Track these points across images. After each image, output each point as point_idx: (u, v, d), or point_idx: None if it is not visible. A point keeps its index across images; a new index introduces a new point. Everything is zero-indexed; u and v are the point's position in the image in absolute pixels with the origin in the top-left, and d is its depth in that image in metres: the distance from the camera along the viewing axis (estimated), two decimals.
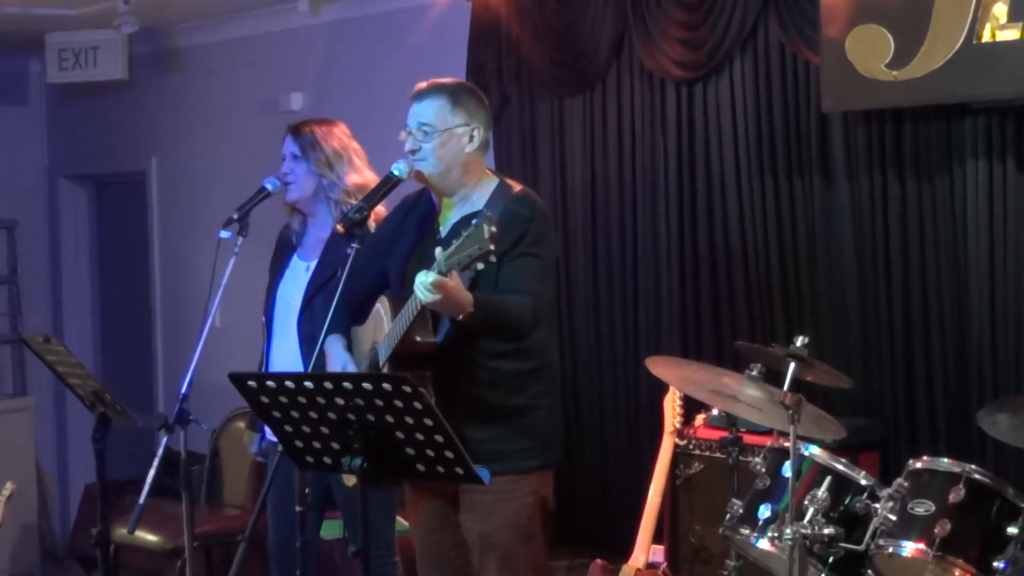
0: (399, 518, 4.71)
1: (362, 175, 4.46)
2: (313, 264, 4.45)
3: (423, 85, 3.77)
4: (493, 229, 3.21)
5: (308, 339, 4.32)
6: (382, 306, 3.79)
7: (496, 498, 3.65)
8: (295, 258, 4.54)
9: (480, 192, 3.77)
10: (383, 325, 3.74)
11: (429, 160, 3.70)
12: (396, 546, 4.52)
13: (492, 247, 3.21)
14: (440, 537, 3.84)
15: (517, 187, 3.82)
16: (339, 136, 4.51)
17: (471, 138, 3.74)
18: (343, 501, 4.37)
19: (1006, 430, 3.76)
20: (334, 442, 3.29)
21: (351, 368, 3.79)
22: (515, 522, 3.70)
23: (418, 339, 3.56)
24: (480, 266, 3.27)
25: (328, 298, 4.25)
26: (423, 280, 3.33)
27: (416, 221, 3.85)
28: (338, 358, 3.84)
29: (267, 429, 4.49)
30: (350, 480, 3.64)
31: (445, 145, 3.71)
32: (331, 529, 4.99)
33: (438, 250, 3.34)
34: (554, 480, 3.85)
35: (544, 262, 3.70)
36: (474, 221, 3.27)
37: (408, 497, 3.94)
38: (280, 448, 3.47)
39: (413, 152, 3.71)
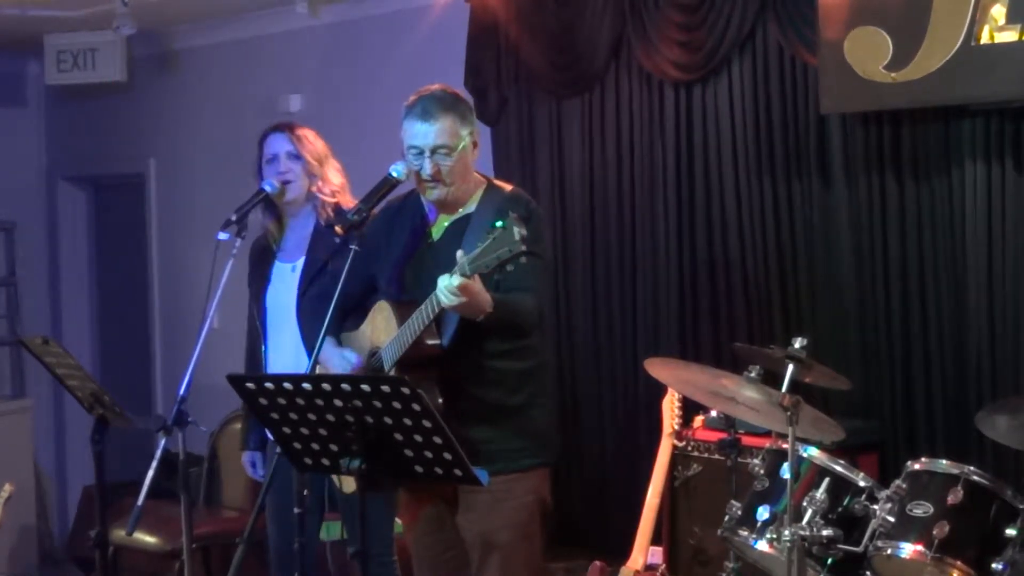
0: (396, 519, 4.71)
1: (341, 175, 4.56)
2: (299, 263, 4.49)
3: (420, 102, 3.71)
4: (524, 232, 3.21)
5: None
6: (380, 311, 3.79)
7: (496, 498, 3.66)
8: (277, 263, 4.56)
9: (471, 196, 3.78)
10: (382, 329, 3.74)
11: (447, 179, 3.70)
12: (394, 546, 4.53)
13: (524, 248, 3.21)
14: (435, 539, 3.85)
15: (507, 187, 3.83)
16: (322, 141, 4.59)
17: (474, 144, 3.76)
18: (343, 502, 4.37)
19: (1004, 432, 3.76)
20: (332, 443, 3.29)
21: (352, 358, 3.80)
22: (515, 521, 3.72)
23: (427, 343, 3.57)
24: (510, 268, 3.28)
25: (321, 289, 4.27)
26: (447, 284, 3.34)
27: (408, 226, 3.85)
28: (334, 355, 3.84)
29: (253, 443, 4.57)
30: (349, 486, 3.64)
31: (460, 161, 3.71)
32: (331, 531, 4.99)
33: (459, 253, 3.34)
34: (552, 480, 3.86)
35: (543, 261, 3.74)
36: (498, 223, 3.26)
37: (403, 499, 3.95)
38: (278, 450, 3.47)
39: (435, 177, 3.69)
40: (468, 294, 3.37)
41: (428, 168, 3.68)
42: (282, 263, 4.56)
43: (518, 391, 3.72)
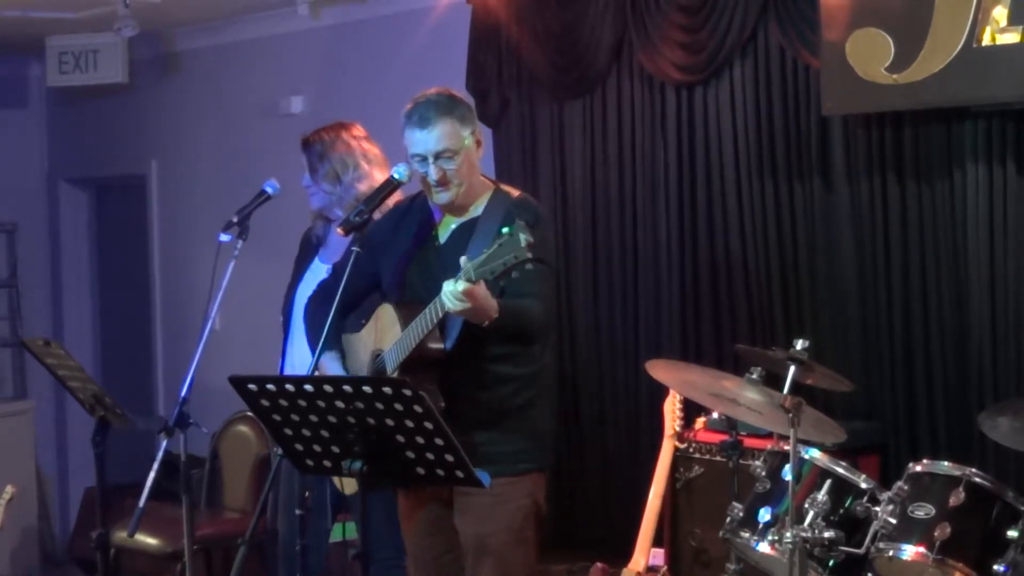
0: None
1: (372, 179, 4.43)
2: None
3: (416, 110, 3.70)
4: (530, 238, 3.22)
5: None
6: (384, 313, 3.79)
7: (491, 501, 3.67)
8: (317, 260, 4.54)
9: (478, 199, 3.78)
10: (386, 332, 3.74)
11: (454, 181, 3.70)
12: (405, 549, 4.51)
13: (530, 255, 3.22)
14: (432, 541, 3.86)
15: (515, 192, 3.84)
16: (346, 142, 4.49)
17: (477, 144, 3.76)
18: (352, 503, 4.35)
19: (1006, 433, 3.76)
20: (334, 445, 3.30)
21: None
22: (509, 525, 3.72)
23: (431, 346, 3.57)
24: (515, 274, 3.28)
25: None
26: (452, 289, 3.34)
27: (413, 227, 3.85)
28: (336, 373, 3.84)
29: None
30: (350, 487, 3.64)
31: (466, 162, 3.72)
32: (344, 532, 4.98)
33: (463, 259, 3.34)
34: (549, 483, 3.87)
35: (549, 267, 3.73)
36: (504, 229, 3.26)
37: (401, 502, 3.95)
38: (280, 452, 3.48)
39: (441, 181, 3.69)
40: (473, 300, 3.37)
41: (434, 174, 3.68)
42: (321, 262, 4.52)
43: (517, 395, 3.72)
